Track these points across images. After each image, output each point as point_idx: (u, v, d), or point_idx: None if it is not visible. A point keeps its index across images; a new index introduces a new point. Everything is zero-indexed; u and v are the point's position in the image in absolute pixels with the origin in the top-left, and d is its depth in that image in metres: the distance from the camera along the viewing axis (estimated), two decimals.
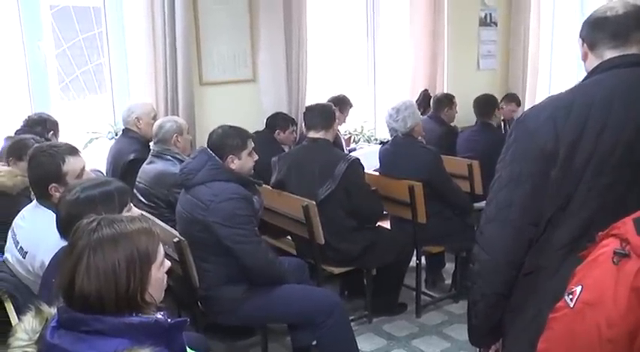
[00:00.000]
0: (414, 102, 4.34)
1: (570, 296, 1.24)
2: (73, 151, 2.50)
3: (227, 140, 2.94)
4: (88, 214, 1.54)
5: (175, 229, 3.05)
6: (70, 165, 2.44)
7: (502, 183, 1.59)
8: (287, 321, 3.15)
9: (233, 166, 2.94)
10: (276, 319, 3.18)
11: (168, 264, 1.54)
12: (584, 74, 1.69)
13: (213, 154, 2.91)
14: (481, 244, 1.65)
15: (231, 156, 2.93)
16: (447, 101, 5.16)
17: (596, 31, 1.63)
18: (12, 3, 3.98)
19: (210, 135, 3.01)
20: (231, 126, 3.04)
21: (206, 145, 3.02)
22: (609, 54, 1.61)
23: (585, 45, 1.66)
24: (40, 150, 2.52)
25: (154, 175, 3.42)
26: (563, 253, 1.53)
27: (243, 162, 2.97)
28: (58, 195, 2.37)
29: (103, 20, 4.36)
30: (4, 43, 4.13)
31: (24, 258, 2.35)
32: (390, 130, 3.95)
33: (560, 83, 6.74)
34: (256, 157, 3.06)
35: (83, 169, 2.49)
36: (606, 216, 1.46)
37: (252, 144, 3.02)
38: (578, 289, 1.23)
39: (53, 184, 2.39)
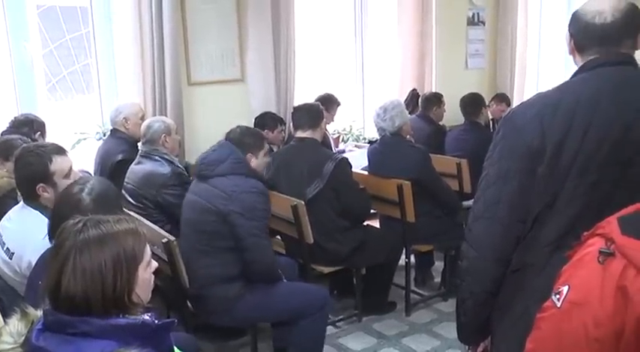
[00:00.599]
0: (402, 101, 4.34)
1: (557, 296, 1.25)
2: (60, 151, 2.49)
3: (246, 139, 3.01)
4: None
5: (164, 229, 3.04)
6: (58, 164, 2.43)
7: (490, 180, 1.60)
8: (281, 319, 3.11)
9: (252, 164, 2.99)
10: (271, 317, 3.15)
11: (155, 264, 1.53)
12: (572, 72, 1.68)
13: (236, 148, 2.96)
14: (469, 241, 1.65)
15: (249, 154, 2.98)
16: (435, 100, 5.17)
17: (585, 36, 1.60)
18: None
19: (229, 133, 3.07)
20: (248, 127, 3.15)
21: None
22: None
23: (573, 43, 1.65)
24: (27, 150, 2.50)
25: (143, 176, 3.40)
26: (550, 250, 1.54)
27: (259, 161, 3.05)
28: (46, 195, 2.37)
29: (90, 20, 4.33)
30: None
31: (10, 258, 2.34)
32: (378, 130, 3.96)
33: (548, 82, 6.77)
34: (268, 159, 3.14)
35: (71, 169, 2.48)
36: (592, 213, 1.47)
37: (267, 147, 3.12)
38: (565, 289, 1.24)
39: (41, 184, 2.38)
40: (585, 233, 1.32)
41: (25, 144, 2.82)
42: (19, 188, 2.52)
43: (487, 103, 5.53)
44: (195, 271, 2.87)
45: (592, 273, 1.20)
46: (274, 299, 2.95)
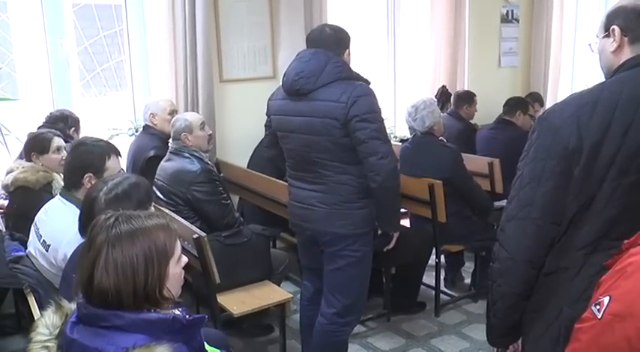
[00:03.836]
0: (435, 99, 4.29)
1: (597, 307, 1.21)
2: (118, 153, 2.59)
3: (340, 34, 2.76)
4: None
5: (194, 225, 3.06)
6: (113, 163, 2.51)
7: (524, 180, 1.56)
8: (343, 296, 2.88)
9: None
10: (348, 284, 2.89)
11: (185, 259, 1.55)
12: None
13: (330, 52, 2.68)
14: (501, 242, 1.62)
15: (343, 49, 2.74)
16: (467, 98, 5.12)
17: None
18: (35, 1, 4.02)
19: (314, 35, 2.80)
20: (329, 24, 2.92)
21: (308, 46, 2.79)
22: None
23: (623, 36, 1.56)
24: (91, 140, 2.59)
25: (172, 173, 3.42)
26: (585, 253, 1.50)
27: (348, 58, 2.80)
28: (89, 186, 2.41)
29: (124, 18, 4.39)
30: (27, 41, 4.18)
31: (47, 251, 2.39)
32: (409, 128, 3.92)
33: (583, 81, 6.65)
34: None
35: (119, 172, 2.54)
36: (631, 216, 1.44)
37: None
38: (606, 300, 1.20)
39: (90, 174, 2.44)
40: (626, 241, 1.28)
41: (82, 137, 2.88)
42: (67, 174, 2.55)
43: None
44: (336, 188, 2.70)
45: (636, 285, 1.17)
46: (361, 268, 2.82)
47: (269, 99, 2.93)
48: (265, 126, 3.01)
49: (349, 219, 2.72)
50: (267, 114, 2.96)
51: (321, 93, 2.62)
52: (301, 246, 3.09)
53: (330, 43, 2.71)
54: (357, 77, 2.71)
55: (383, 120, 2.69)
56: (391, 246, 2.92)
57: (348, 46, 2.76)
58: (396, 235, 2.89)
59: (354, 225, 2.73)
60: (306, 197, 2.81)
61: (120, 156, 2.60)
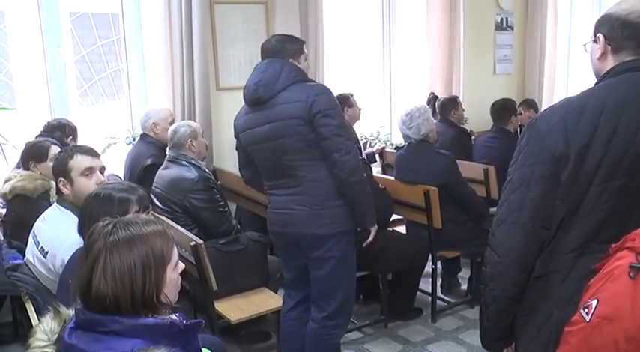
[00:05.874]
0: (428, 106, 4.31)
1: (586, 310, 1.23)
2: (86, 151, 2.57)
3: (288, 44, 2.82)
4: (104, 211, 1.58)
5: (192, 233, 3.07)
6: (76, 161, 2.50)
7: (513, 185, 1.59)
8: (333, 299, 2.89)
9: None
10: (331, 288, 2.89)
11: (182, 265, 1.57)
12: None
13: (283, 60, 2.75)
14: (492, 246, 1.65)
15: (291, 59, 2.79)
16: (451, 103, 5.12)
17: (626, 35, 1.56)
18: (33, 10, 4.05)
19: (266, 45, 2.85)
20: (282, 34, 2.95)
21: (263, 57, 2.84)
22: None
23: (607, 45, 1.59)
24: (62, 149, 2.65)
25: (169, 181, 3.45)
26: (574, 256, 1.52)
27: (303, 66, 2.84)
28: (65, 190, 2.48)
29: (121, 27, 4.41)
30: (25, 50, 4.21)
31: (45, 257, 2.40)
32: (403, 136, 3.93)
33: (578, 88, 6.65)
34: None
35: (90, 169, 2.50)
36: (617, 219, 1.46)
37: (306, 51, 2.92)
38: (594, 303, 1.22)
39: (60, 178, 2.49)
40: (613, 245, 1.30)
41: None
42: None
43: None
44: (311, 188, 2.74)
45: (622, 288, 1.19)
46: (342, 265, 2.81)
47: (234, 120, 2.97)
48: (236, 148, 3.04)
49: (329, 218, 2.74)
50: (235, 136, 2.99)
51: (281, 97, 2.70)
52: (282, 256, 3.07)
53: (275, 52, 2.79)
54: (312, 81, 2.81)
55: (344, 116, 2.78)
56: (370, 239, 2.90)
57: (293, 55, 2.80)
58: (373, 230, 2.88)
59: (334, 224, 2.75)
60: (283, 202, 2.83)
61: (94, 154, 2.58)
